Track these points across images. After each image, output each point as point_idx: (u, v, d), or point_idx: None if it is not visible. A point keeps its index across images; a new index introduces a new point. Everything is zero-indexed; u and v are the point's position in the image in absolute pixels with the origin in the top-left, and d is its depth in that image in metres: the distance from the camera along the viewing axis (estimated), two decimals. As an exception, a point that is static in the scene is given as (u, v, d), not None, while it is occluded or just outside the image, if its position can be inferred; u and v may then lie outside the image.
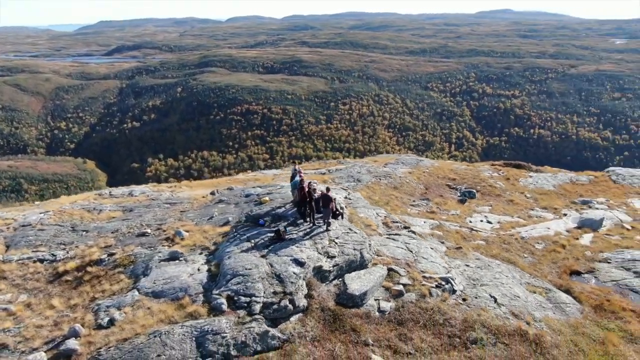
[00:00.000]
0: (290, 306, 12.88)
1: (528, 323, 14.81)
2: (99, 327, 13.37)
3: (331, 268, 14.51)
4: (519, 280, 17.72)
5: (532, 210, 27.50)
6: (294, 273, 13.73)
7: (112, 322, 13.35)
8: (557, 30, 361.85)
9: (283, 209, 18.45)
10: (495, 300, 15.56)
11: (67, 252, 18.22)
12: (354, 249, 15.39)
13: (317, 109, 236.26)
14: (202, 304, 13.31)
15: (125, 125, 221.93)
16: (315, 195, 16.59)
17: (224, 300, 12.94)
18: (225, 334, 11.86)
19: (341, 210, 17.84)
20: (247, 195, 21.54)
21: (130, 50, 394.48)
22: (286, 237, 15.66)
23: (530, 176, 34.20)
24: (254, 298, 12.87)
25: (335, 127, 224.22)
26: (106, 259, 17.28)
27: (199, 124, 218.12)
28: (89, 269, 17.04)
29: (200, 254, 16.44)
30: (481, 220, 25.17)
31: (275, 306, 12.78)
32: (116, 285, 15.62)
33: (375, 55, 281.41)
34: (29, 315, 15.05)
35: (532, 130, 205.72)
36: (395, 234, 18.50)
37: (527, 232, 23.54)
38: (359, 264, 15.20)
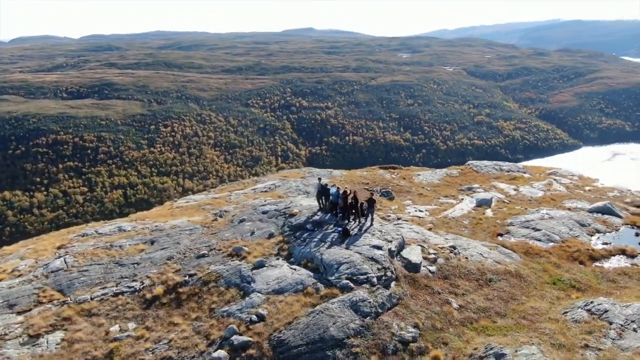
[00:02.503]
0: (392, 276, 18.32)
1: (507, 265, 22.59)
2: (252, 322, 16.80)
3: (394, 248, 20.23)
4: (477, 243, 25.55)
5: (440, 199, 36.42)
6: (381, 255, 19.15)
7: (261, 317, 16.92)
8: (355, 47, 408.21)
9: (317, 216, 23.30)
10: (482, 255, 23.02)
11: (142, 283, 20.14)
12: (397, 234, 21.33)
13: (136, 133, 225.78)
14: (327, 287, 17.80)
15: None
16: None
17: (347, 281, 17.69)
18: (369, 300, 16.80)
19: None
20: (264, 212, 25.43)
21: None
22: (351, 233, 20.78)
23: (419, 174, 43.76)
24: (369, 275, 17.95)
25: (159, 150, 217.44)
26: (189, 280, 19.93)
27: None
28: (179, 290, 19.53)
29: (277, 259, 20.41)
30: (415, 211, 32.91)
31: (384, 277, 18.09)
32: (225, 295, 18.73)
33: (191, 74, 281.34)
34: (161, 334, 17.35)
35: (347, 138, 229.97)
36: (398, 224, 24.82)
37: (452, 214, 32.02)
38: (402, 245, 21.18)
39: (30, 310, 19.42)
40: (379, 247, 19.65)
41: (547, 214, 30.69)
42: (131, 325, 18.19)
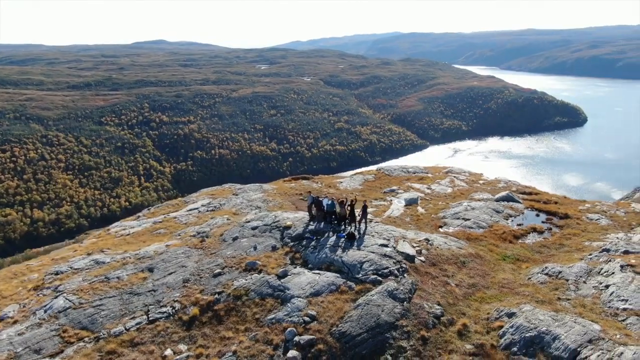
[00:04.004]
0: (406, 267, 21.86)
1: (467, 249, 27.54)
2: (305, 323, 19.01)
3: (394, 244, 23.74)
4: (436, 235, 30.26)
5: (372, 202, 40.84)
6: (390, 251, 22.57)
7: (312, 317, 19.24)
8: (212, 59, 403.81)
9: (312, 226, 25.83)
10: (446, 244, 27.67)
11: (173, 307, 20.81)
12: (390, 234, 24.90)
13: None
14: (359, 284, 20.70)
15: None
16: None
17: (375, 276, 20.78)
18: (400, 288, 20.13)
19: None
20: (253, 228, 27.00)
21: None
22: (357, 236, 23.79)
23: (341, 182, 47.88)
24: (390, 268, 21.26)
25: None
26: (220, 297, 21.20)
27: None
28: (215, 307, 20.69)
29: (295, 267, 22.61)
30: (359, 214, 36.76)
31: (401, 269, 21.55)
32: (264, 305, 20.48)
33: (30, 92, 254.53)
34: (220, 349, 18.64)
35: (213, 151, 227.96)
36: (377, 224, 28.33)
37: (392, 214, 36.51)
38: (394, 241, 24.83)
39: (63, 351, 19.03)
40: (386, 245, 23.08)
41: (468, 205, 36.86)
42: (183, 346, 19.03)
